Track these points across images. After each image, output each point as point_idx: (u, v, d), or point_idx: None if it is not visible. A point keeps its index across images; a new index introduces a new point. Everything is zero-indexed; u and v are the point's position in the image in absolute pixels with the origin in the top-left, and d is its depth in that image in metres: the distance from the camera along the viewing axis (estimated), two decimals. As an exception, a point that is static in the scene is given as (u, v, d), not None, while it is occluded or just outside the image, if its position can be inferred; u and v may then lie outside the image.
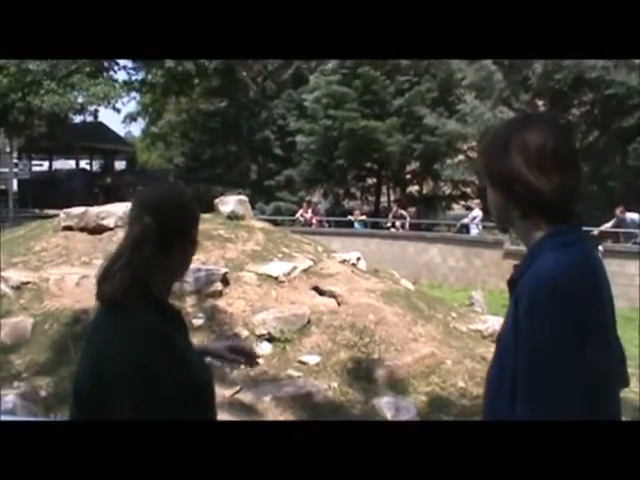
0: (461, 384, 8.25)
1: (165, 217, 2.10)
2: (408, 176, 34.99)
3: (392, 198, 35.34)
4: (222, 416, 6.62)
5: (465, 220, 25.71)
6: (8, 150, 41.05)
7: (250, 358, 2.81)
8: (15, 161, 42.11)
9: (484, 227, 23.92)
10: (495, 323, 10.39)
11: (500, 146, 2.03)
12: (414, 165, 33.96)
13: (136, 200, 2.19)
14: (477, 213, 24.90)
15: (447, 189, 34.45)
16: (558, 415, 1.78)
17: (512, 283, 2.00)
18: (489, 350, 8.98)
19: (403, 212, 27.94)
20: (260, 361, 8.23)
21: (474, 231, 24.50)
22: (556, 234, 1.95)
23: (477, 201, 26.59)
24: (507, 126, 2.14)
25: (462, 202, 32.77)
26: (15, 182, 39.96)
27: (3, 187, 41.43)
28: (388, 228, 26.75)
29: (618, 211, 20.20)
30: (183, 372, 1.99)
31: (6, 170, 41.95)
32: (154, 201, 2.15)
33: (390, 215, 27.71)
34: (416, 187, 35.56)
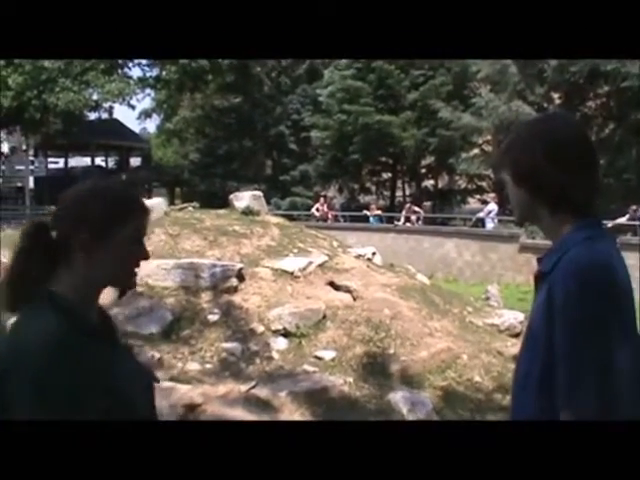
0: (477, 379, 8.24)
1: (55, 218, 1.93)
2: (423, 170, 34.97)
3: (407, 192, 35.32)
4: (237, 412, 6.65)
5: (480, 214, 25.62)
6: (24, 148, 41.28)
7: None
8: (31, 159, 42.36)
9: (500, 221, 23.84)
10: (511, 317, 10.37)
11: (526, 146, 2.06)
12: (429, 159, 33.93)
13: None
14: (493, 207, 24.81)
15: (462, 183, 34.41)
16: (597, 408, 1.81)
17: (540, 277, 2.04)
18: (505, 344, 8.97)
19: (416, 208, 27.85)
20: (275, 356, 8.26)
21: (490, 225, 24.41)
22: (582, 228, 1.99)
23: (492, 195, 26.49)
24: (530, 126, 2.18)
25: (477, 196, 32.70)
26: (31, 179, 40.21)
27: (20, 184, 41.67)
28: (404, 223, 26.65)
29: (631, 210, 20.16)
30: (86, 383, 1.80)
31: (22, 168, 42.16)
32: (63, 197, 1.96)
33: (403, 212, 27.64)
34: (431, 181, 35.52)
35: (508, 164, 2.13)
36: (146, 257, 2.01)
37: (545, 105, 24.47)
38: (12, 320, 1.92)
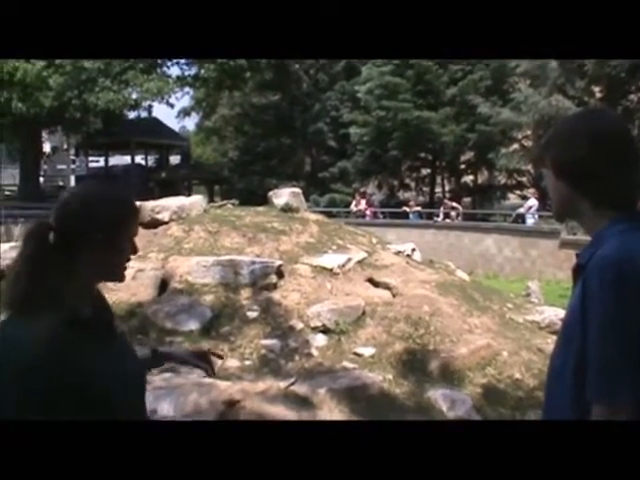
0: (517, 376, 8.17)
1: (63, 219, 2.02)
2: (463, 166, 34.86)
3: (447, 188, 35.21)
4: (277, 408, 6.66)
5: (521, 210, 25.48)
6: (65, 147, 41.81)
7: (209, 365, 2.69)
8: (72, 158, 42.89)
9: (540, 216, 23.66)
10: (552, 314, 10.26)
11: (570, 139, 2.07)
12: (468, 155, 33.80)
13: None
14: (533, 202, 24.66)
15: (502, 179, 34.24)
16: (626, 399, 1.80)
17: (577, 270, 2.03)
18: (546, 341, 8.89)
19: (454, 204, 27.77)
20: (314, 360, 8.26)
21: (530, 221, 24.25)
22: (620, 221, 1.99)
23: (533, 190, 26.35)
24: (574, 120, 2.19)
25: (517, 191, 32.51)
26: (73, 178, 40.70)
27: (61, 183, 42.24)
28: (443, 219, 26.55)
29: None
30: (83, 380, 1.90)
31: (64, 167, 42.74)
32: (57, 203, 2.07)
33: (441, 208, 27.57)
34: (471, 177, 35.39)
35: (549, 158, 2.13)
36: (135, 252, 2.16)
37: (586, 99, 24.18)
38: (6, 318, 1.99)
